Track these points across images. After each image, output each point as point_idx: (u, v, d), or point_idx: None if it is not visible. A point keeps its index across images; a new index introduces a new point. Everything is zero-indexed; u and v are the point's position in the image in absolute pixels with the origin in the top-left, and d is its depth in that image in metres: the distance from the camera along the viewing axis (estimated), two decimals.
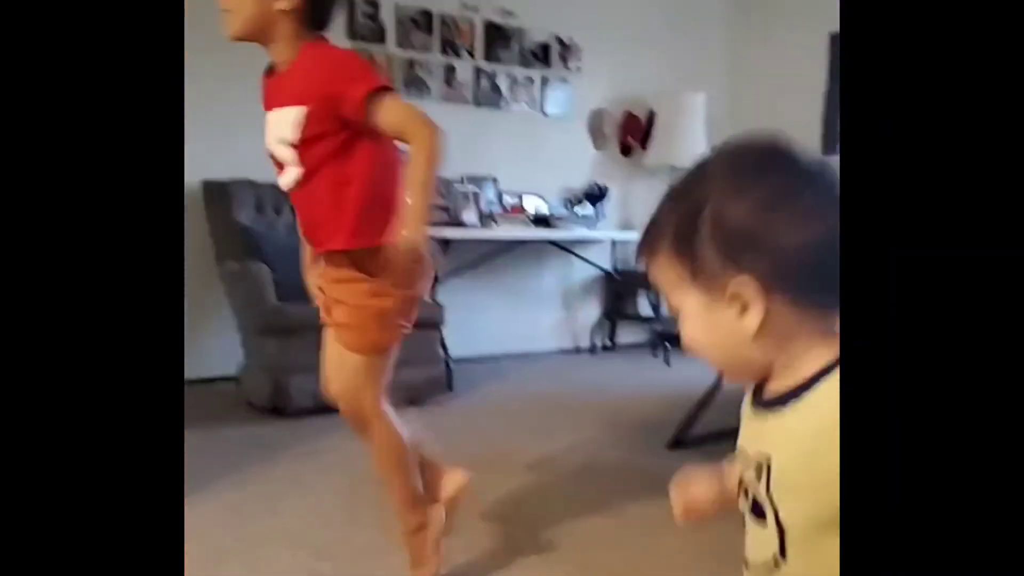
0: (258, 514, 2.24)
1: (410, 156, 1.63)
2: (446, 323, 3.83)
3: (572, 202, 5.14)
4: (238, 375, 3.67)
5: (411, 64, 4.61)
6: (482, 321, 4.82)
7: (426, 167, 1.63)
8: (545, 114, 5.15)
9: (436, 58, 4.71)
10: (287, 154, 1.65)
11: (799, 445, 0.75)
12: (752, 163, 0.78)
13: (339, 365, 1.74)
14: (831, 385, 0.73)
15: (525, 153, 5.06)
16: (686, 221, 0.77)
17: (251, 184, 3.82)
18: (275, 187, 4.20)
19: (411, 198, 1.61)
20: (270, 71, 1.70)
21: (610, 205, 5.29)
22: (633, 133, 5.52)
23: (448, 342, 3.92)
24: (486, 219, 4.54)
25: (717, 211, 0.75)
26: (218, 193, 3.80)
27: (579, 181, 5.23)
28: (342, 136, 1.62)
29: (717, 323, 0.77)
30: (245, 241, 3.67)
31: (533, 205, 4.92)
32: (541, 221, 4.75)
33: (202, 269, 3.85)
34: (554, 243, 4.98)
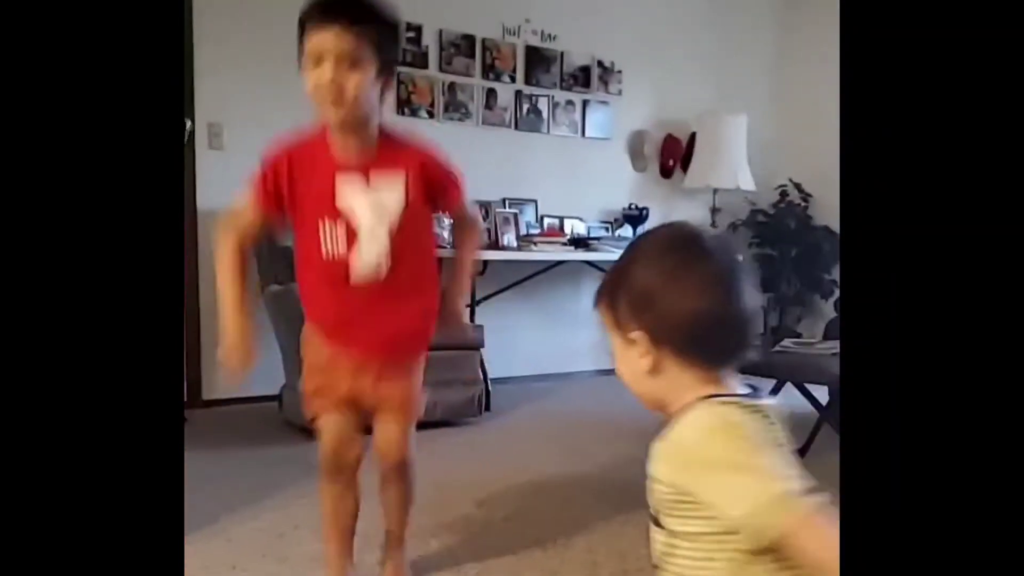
0: (301, 536, 2.26)
1: (465, 238, 1.92)
2: (485, 344, 3.85)
3: (612, 224, 5.14)
4: (279, 395, 3.72)
5: (452, 88, 4.67)
6: (520, 342, 4.83)
7: (476, 251, 1.96)
8: (585, 136, 5.17)
9: (477, 82, 4.76)
10: (381, 230, 1.70)
11: (660, 464, 0.95)
12: (661, 242, 1.02)
13: (399, 436, 1.89)
14: (688, 415, 0.94)
15: (565, 175, 5.08)
16: (615, 281, 1.01)
17: None
18: None
19: (464, 276, 1.90)
20: (320, 141, 1.71)
21: (650, 227, 5.27)
22: (673, 155, 5.51)
23: (486, 363, 3.94)
24: (525, 241, 4.56)
25: (631, 276, 0.99)
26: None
27: (619, 203, 5.23)
28: (425, 219, 1.81)
29: (628, 361, 0.99)
30: (288, 263, 3.72)
31: (572, 227, 4.93)
32: (580, 243, 4.76)
33: (248, 291, 3.92)
34: (593, 264, 4.98)
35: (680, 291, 0.95)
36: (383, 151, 1.72)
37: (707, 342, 0.95)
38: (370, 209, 1.69)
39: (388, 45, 1.67)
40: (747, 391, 0.98)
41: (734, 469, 0.88)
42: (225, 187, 4.01)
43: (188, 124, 3.87)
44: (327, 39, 1.57)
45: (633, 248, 1.05)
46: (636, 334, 0.97)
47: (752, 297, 0.98)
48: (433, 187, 1.76)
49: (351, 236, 1.69)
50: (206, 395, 4.01)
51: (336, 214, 1.69)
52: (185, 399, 3.95)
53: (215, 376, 4.03)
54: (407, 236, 1.72)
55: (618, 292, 1.00)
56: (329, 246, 1.70)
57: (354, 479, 1.92)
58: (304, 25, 1.63)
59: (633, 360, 0.98)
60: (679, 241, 1.00)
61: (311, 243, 1.72)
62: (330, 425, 1.84)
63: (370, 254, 1.70)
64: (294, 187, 1.71)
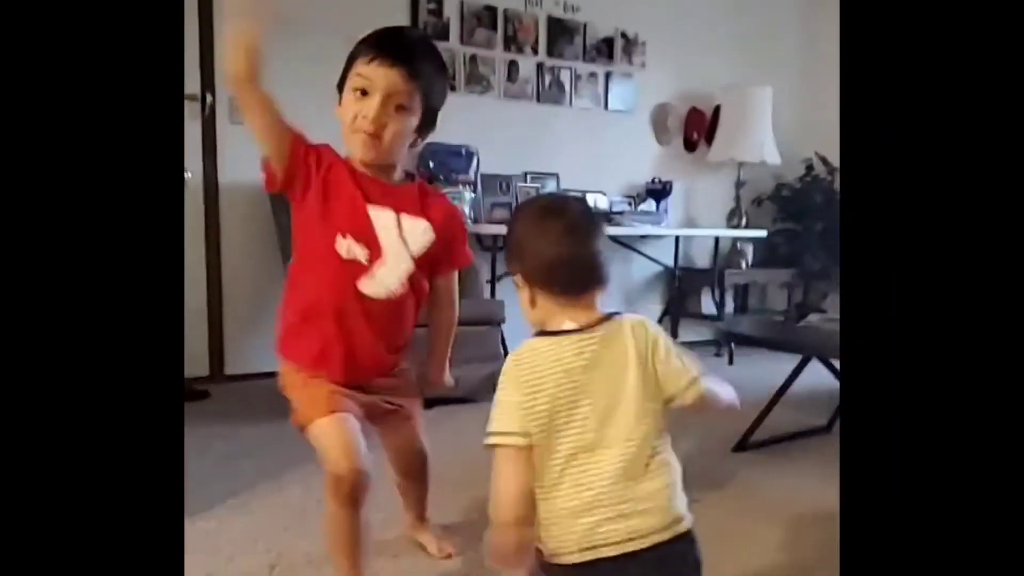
0: (323, 511, 2.26)
1: (443, 314, 1.85)
2: (506, 320, 3.83)
3: (635, 199, 5.09)
4: None
5: (473, 60, 4.62)
6: None
7: (453, 326, 1.88)
8: (608, 109, 5.11)
9: (499, 54, 4.71)
10: (403, 266, 1.67)
11: None
12: (529, 207, 1.33)
13: (415, 439, 1.89)
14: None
15: (587, 149, 5.03)
16: (506, 239, 1.34)
17: None
18: None
19: (442, 349, 1.87)
20: (357, 171, 1.67)
21: (674, 201, 5.22)
22: (698, 128, 5.44)
23: (507, 339, 3.92)
24: None
25: (511, 235, 1.31)
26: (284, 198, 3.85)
27: (642, 177, 5.17)
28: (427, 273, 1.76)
29: (520, 298, 1.30)
30: None
31: (594, 201, 4.88)
32: (602, 217, 4.72)
33: (270, 266, 3.93)
34: (615, 239, 4.94)
35: (539, 242, 1.25)
36: (411, 196, 1.70)
37: (560, 278, 1.25)
38: (398, 238, 1.66)
39: (437, 96, 1.66)
40: (600, 316, 1.25)
41: (496, 399, 1.25)
42: (246, 160, 4.00)
43: (209, 98, 3.85)
44: (384, 76, 1.55)
45: (514, 214, 1.36)
46: (516, 277, 1.30)
47: (596, 245, 1.27)
48: (448, 244, 1.75)
49: (374, 253, 1.64)
50: (229, 370, 4.03)
51: (361, 233, 1.63)
52: (208, 373, 3.98)
53: (237, 350, 4.05)
54: (420, 276, 1.71)
55: (507, 247, 1.33)
56: (347, 253, 1.63)
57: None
58: (360, 51, 1.59)
59: (521, 297, 1.30)
60: (541, 205, 1.33)
61: (323, 246, 1.63)
62: (332, 425, 1.58)
63: (390, 275, 1.66)
64: (325, 188, 1.63)
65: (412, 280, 1.69)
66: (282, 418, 1.72)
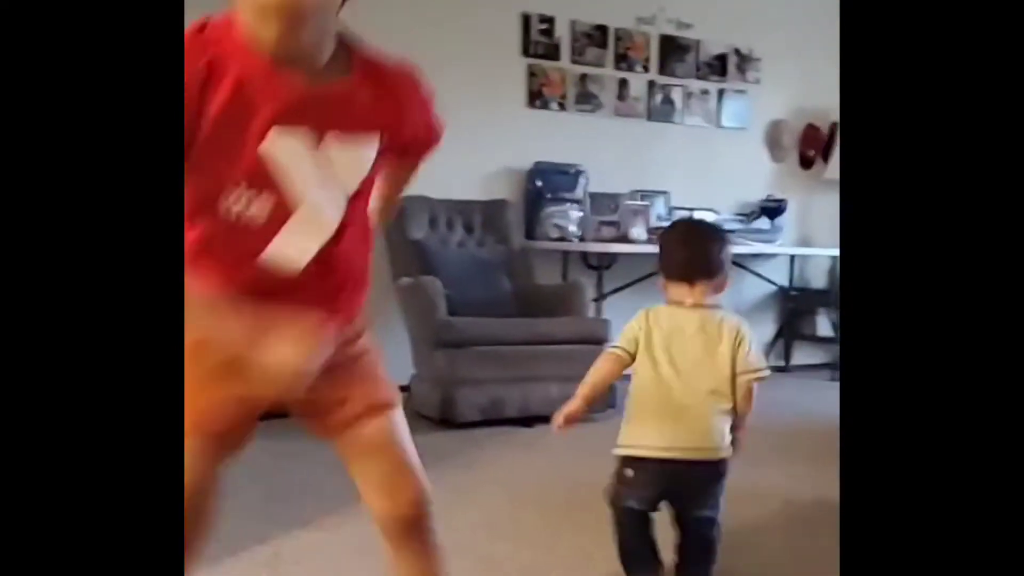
0: None
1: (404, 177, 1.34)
2: (612, 340, 3.79)
3: (748, 216, 4.97)
4: (409, 385, 3.79)
5: (583, 79, 4.62)
6: None
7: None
8: (721, 126, 5.02)
9: (609, 72, 4.70)
10: (336, 199, 1.13)
11: None
12: (668, 226, 2.12)
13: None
14: None
15: (699, 167, 4.95)
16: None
17: (425, 200, 3.94)
18: (447, 202, 4.28)
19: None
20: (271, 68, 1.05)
21: (788, 219, 5.08)
22: (814, 145, 5.29)
23: None
24: (654, 234, 4.46)
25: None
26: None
27: (756, 195, 5.06)
28: (376, 174, 1.19)
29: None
30: (419, 256, 3.79)
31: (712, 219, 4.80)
32: None
33: (380, 283, 4.01)
34: None
35: (666, 245, 1.90)
36: (347, 91, 1.11)
37: (672, 268, 1.83)
38: (317, 181, 1.10)
39: None
40: (709, 304, 1.79)
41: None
42: None
43: None
44: None
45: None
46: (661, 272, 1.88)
47: (704, 248, 1.82)
48: (410, 141, 1.22)
49: (279, 212, 1.10)
50: None
51: (260, 181, 1.07)
52: None
53: None
54: (354, 224, 1.17)
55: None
56: (239, 214, 1.09)
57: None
58: None
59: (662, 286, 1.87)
60: (675, 222, 2.36)
61: (209, 203, 1.08)
62: None
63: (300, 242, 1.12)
64: (204, 108, 1.02)
65: (359, 204, 1.18)
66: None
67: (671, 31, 4.85)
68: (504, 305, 3.71)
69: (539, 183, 4.32)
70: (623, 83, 4.74)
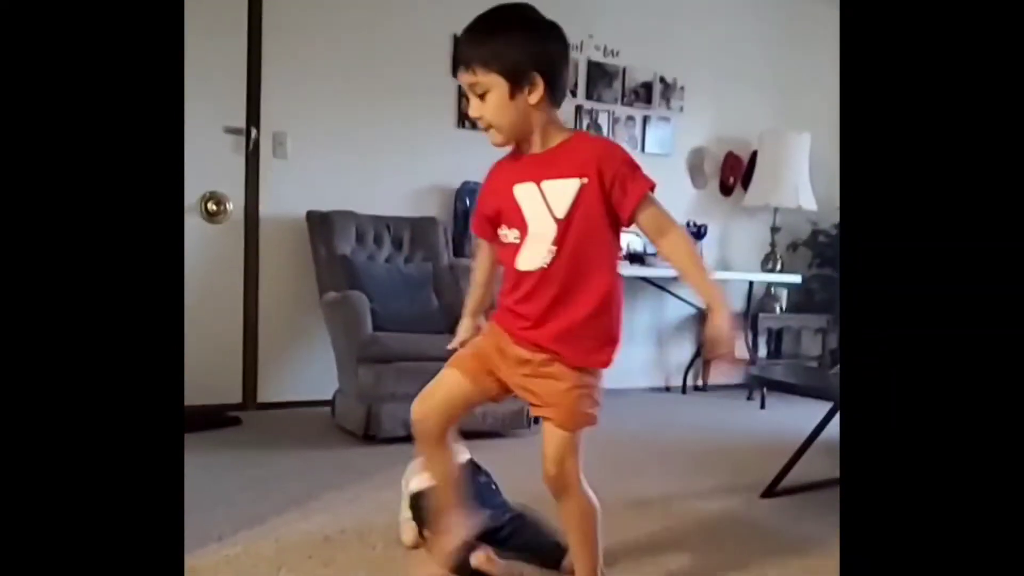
0: (347, 540, 2.28)
1: (675, 249, 1.80)
2: None
3: None
4: (332, 400, 3.77)
5: None
6: None
7: (694, 253, 1.85)
8: (645, 152, 5.15)
9: None
10: (548, 230, 1.67)
11: None
12: None
13: (553, 447, 1.75)
14: None
15: None
16: None
17: (353, 215, 3.94)
18: (375, 218, 4.27)
19: (704, 283, 1.78)
20: (516, 154, 1.77)
21: (708, 244, 5.23)
22: (734, 172, 5.46)
23: None
24: None
25: None
26: (321, 223, 3.93)
27: (678, 219, 5.15)
28: (600, 223, 1.70)
29: None
30: (345, 271, 3.78)
31: (628, 243, 4.90)
32: (636, 258, 4.73)
33: (306, 297, 4.01)
34: (648, 280, 4.95)
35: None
36: (560, 156, 1.71)
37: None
38: (541, 204, 1.69)
39: (510, 57, 1.64)
40: None
41: None
42: (288, 195, 4.10)
43: (254, 133, 3.96)
44: (461, 80, 1.73)
45: None
46: None
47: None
48: (613, 180, 1.69)
49: (523, 234, 1.71)
50: (261, 398, 4.09)
51: (514, 221, 1.72)
52: (240, 400, 4.03)
53: (270, 378, 4.11)
54: (578, 236, 1.68)
55: None
56: (505, 239, 1.75)
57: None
58: None
59: None
60: None
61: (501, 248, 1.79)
62: (445, 377, 1.85)
63: (536, 245, 1.69)
64: (487, 201, 1.80)
65: (571, 235, 1.68)
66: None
67: (598, 58, 4.96)
68: (431, 321, 3.72)
69: (468, 201, 4.36)
70: None
